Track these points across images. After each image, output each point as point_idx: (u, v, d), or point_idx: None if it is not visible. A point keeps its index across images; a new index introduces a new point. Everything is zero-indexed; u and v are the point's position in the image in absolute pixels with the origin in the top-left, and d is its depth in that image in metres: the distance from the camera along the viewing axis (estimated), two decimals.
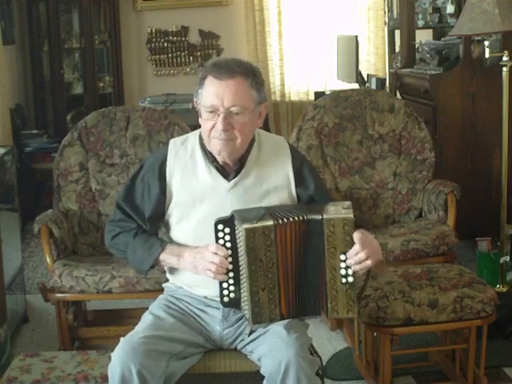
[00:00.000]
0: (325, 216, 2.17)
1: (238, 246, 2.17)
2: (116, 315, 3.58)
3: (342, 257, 2.17)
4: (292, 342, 2.13)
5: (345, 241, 2.17)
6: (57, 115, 6.39)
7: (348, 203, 2.25)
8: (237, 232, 2.17)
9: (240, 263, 2.17)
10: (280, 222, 2.15)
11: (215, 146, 2.27)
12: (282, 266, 2.17)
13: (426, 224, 3.53)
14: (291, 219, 2.17)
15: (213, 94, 2.23)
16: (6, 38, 5.75)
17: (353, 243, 2.17)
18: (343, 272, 2.18)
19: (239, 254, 2.17)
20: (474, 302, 2.72)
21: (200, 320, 2.35)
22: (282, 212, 2.20)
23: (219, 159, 2.31)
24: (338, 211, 2.19)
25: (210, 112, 2.24)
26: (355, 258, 2.17)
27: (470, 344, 2.80)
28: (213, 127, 2.24)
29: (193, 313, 2.36)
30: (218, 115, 2.22)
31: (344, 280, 2.18)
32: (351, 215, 2.18)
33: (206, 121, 2.27)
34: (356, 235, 2.17)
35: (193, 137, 2.40)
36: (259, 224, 2.13)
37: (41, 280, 3.86)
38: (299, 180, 2.38)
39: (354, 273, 2.18)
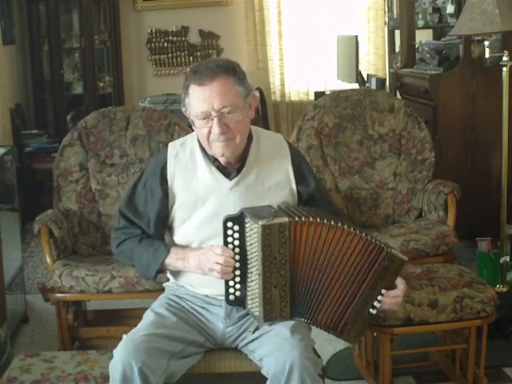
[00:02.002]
0: (393, 251, 2.18)
1: (249, 243, 2.17)
2: (116, 315, 3.58)
3: (383, 291, 2.20)
4: (296, 342, 2.13)
5: (391, 278, 2.21)
6: (57, 115, 6.39)
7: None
8: (248, 229, 2.16)
9: (249, 261, 2.18)
10: (296, 219, 2.15)
11: (217, 149, 2.27)
12: (292, 264, 2.17)
13: (426, 224, 3.52)
14: (326, 221, 2.16)
15: (200, 101, 2.23)
16: (6, 38, 5.76)
17: (394, 282, 2.22)
18: (375, 303, 2.21)
19: (249, 252, 2.17)
20: (474, 302, 2.72)
21: (202, 318, 2.35)
22: (300, 211, 2.21)
23: (222, 160, 2.31)
24: (396, 248, 2.23)
25: (203, 119, 2.24)
26: (391, 301, 2.22)
27: (470, 344, 2.80)
28: (209, 132, 2.24)
29: (195, 311, 2.36)
30: (212, 119, 2.22)
31: (371, 310, 2.22)
32: (406, 258, 2.23)
33: (200, 128, 2.27)
34: (402, 282, 2.22)
35: (192, 138, 2.40)
36: (275, 221, 2.13)
37: (41, 280, 3.86)
38: (299, 177, 2.39)
39: (379, 308, 2.23)
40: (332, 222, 2.16)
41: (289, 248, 2.15)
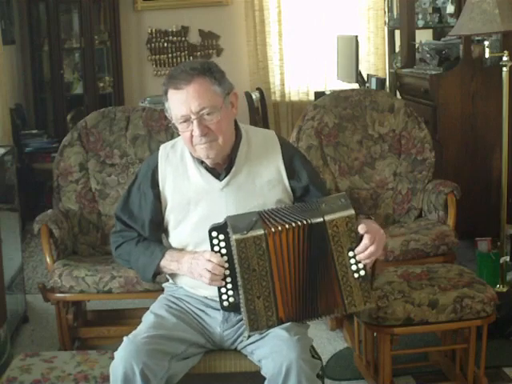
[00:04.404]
0: (326, 218, 2.15)
1: (232, 253, 2.16)
2: (116, 315, 3.58)
3: (351, 253, 2.17)
4: (293, 344, 2.12)
5: (350, 237, 2.17)
6: (57, 115, 6.39)
7: (343, 194, 2.24)
8: (230, 240, 2.16)
9: (236, 269, 2.17)
10: (273, 230, 2.13)
11: (201, 151, 2.27)
12: (277, 273, 2.15)
13: (426, 224, 3.53)
14: (287, 226, 2.15)
15: (179, 105, 2.23)
16: (6, 38, 5.76)
17: (358, 237, 2.17)
18: (354, 267, 2.17)
19: (234, 261, 2.16)
20: (474, 302, 2.72)
21: (201, 320, 2.35)
22: (277, 218, 2.18)
23: (209, 162, 2.31)
24: (337, 208, 2.17)
25: (184, 122, 2.24)
26: (366, 253, 2.17)
27: (470, 344, 2.80)
28: (191, 135, 2.24)
29: (193, 313, 2.36)
30: (192, 122, 2.22)
31: (356, 275, 2.18)
32: (352, 211, 2.17)
33: (183, 132, 2.27)
34: (362, 228, 2.17)
35: (182, 140, 2.39)
36: (249, 234, 2.12)
37: (41, 280, 3.86)
38: (291, 173, 2.37)
39: (364, 266, 2.18)
40: (293, 224, 2.14)
41: (268, 259, 2.14)
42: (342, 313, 2.23)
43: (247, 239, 2.12)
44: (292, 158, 2.39)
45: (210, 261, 2.18)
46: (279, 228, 2.14)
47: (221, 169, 2.33)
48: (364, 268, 2.18)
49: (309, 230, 2.16)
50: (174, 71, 2.28)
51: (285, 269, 2.16)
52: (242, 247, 2.12)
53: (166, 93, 2.27)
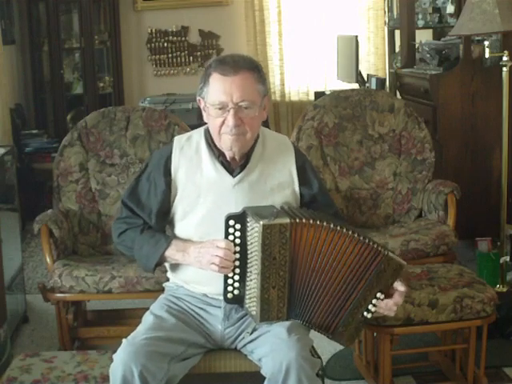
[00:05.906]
0: (389, 253, 2.18)
1: (249, 242, 2.17)
2: (116, 315, 3.58)
3: (379, 294, 2.19)
4: (293, 343, 2.13)
5: (388, 282, 2.20)
6: (57, 115, 6.39)
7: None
8: (249, 228, 2.17)
9: (249, 260, 2.18)
10: (297, 220, 2.15)
11: (226, 141, 2.28)
12: (293, 265, 2.17)
13: (426, 224, 3.52)
14: (317, 222, 2.16)
15: (220, 91, 2.24)
16: (6, 38, 5.76)
17: (391, 287, 2.21)
18: (370, 307, 2.20)
19: (250, 251, 2.17)
20: (474, 302, 2.72)
21: (201, 319, 2.35)
22: (300, 213, 2.21)
23: (228, 155, 2.32)
24: (394, 252, 2.23)
25: (219, 109, 2.25)
26: (390, 307, 2.21)
27: (469, 344, 2.81)
28: (223, 123, 2.26)
29: (194, 312, 2.36)
30: (228, 111, 2.23)
31: (365, 313, 2.21)
32: (405, 263, 2.22)
33: (214, 118, 2.27)
34: (400, 286, 2.22)
35: (197, 133, 2.41)
36: (276, 221, 2.13)
37: (41, 280, 3.86)
38: (303, 178, 2.40)
39: (374, 312, 2.22)
40: (332, 225, 2.17)
41: (289, 249, 2.15)
42: (327, 336, 2.25)
43: (273, 226, 2.12)
44: (304, 165, 2.43)
45: (222, 248, 2.18)
46: (310, 221, 2.16)
47: (236, 165, 2.34)
48: (372, 314, 2.22)
49: (364, 248, 2.17)
50: (224, 57, 2.30)
51: (298, 262, 2.17)
52: (268, 233, 2.12)
53: (208, 75, 2.27)
